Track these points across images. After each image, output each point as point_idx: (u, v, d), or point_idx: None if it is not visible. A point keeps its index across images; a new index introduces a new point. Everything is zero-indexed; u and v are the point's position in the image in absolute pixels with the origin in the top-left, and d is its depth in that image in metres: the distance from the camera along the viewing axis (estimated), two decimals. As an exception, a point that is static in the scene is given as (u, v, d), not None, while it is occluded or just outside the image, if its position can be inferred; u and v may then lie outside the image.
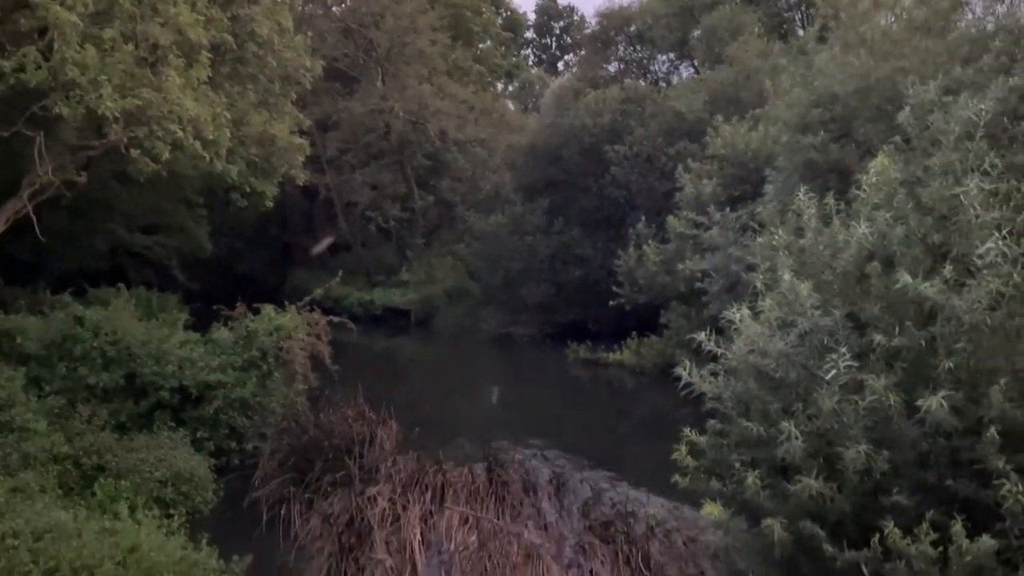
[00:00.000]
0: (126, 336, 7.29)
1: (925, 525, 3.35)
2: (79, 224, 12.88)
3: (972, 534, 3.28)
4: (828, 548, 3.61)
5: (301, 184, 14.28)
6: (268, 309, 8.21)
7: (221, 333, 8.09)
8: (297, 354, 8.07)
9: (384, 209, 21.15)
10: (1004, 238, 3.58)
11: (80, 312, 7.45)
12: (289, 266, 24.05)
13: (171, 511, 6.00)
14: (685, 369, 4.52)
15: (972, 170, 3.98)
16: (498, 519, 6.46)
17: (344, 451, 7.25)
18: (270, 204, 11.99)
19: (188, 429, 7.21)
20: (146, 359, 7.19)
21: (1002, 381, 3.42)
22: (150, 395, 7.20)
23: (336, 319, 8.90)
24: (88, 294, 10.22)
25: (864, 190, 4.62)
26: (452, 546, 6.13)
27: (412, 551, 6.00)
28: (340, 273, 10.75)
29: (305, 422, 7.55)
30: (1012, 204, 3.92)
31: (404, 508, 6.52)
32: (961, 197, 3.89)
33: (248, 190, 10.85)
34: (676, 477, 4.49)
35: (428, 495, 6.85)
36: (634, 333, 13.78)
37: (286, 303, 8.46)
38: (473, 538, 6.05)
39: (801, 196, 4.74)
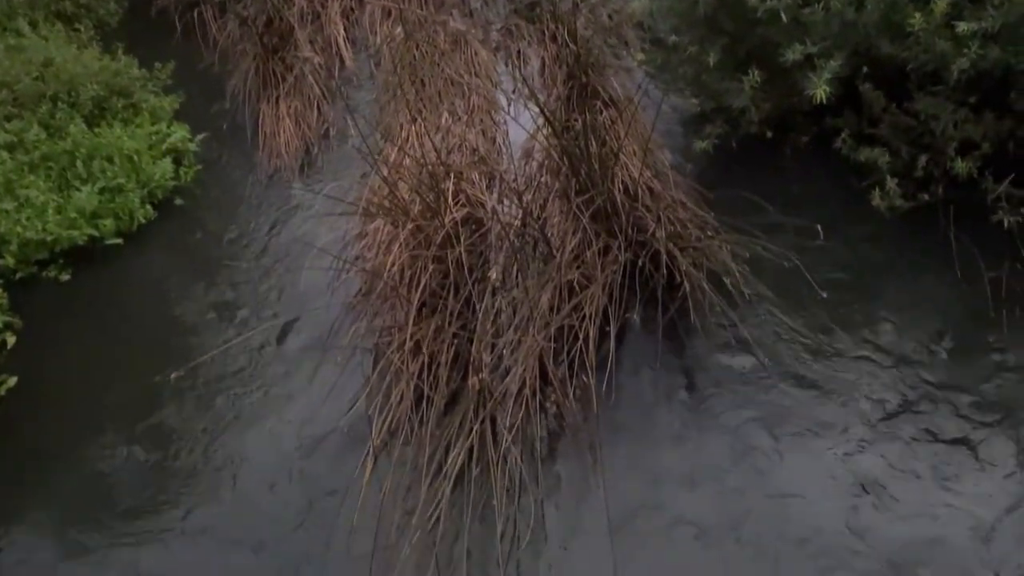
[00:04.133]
0: None
1: (848, -35, 3.34)
2: None
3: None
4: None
5: None
6: None
7: None
8: None
9: None
10: None
11: None
12: None
13: (76, 25, 5.70)
14: None
15: None
16: (422, 10, 6.31)
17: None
18: None
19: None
20: None
21: None
22: None
23: None
24: None
25: None
26: (378, 39, 6.08)
27: (338, 47, 5.95)
28: None
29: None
30: None
31: (323, 6, 6.28)
32: None
33: None
34: (602, -52, 4.27)
35: (346, -9, 6.55)
36: None
37: None
38: (399, 30, 5.96)
39: None
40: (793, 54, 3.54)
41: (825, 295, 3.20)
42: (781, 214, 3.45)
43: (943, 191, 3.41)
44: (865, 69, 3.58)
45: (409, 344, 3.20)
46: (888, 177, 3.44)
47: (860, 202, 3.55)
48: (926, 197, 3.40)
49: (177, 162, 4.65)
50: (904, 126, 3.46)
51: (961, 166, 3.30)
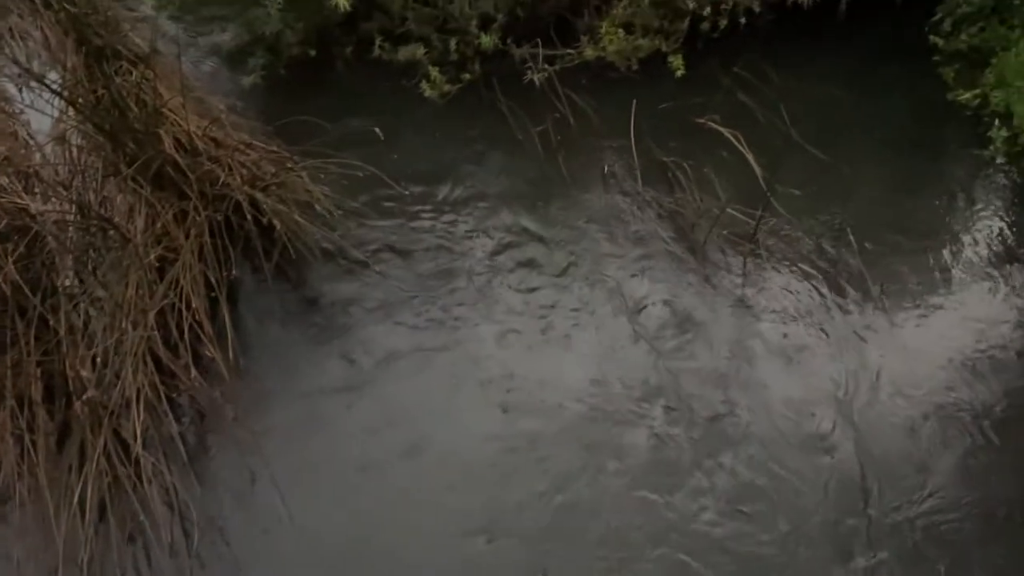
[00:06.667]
0: None
1: None
2: None
3: None
4: None
5: None
6: None
7: None
8: None
9: None
10: None
11: None
12: None
13: None
14: None
15: None
16: None
17: None
18: None
19: None
20: None
21: None
22: None
23: None
24: None
25: None
26: None
27: None
28: None
29: None
30: None
31: None
32: None
33: None
34: None
35: None
36: None
37: None
38: None
39: None
40: (301, -34, 3.47)
41: (408, 192, 3.32)
42: (345, 128, 3.45)
43: (480, 67, 3.66)
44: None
45: (-15, 394, 2.70)
46: (430, 67, 3.59)
47: (415, 97, 3.68)
48: (468, 76, 3.63)
49: None
50: (427, 16, 3.61)
51: (487, 40, 3.56)
